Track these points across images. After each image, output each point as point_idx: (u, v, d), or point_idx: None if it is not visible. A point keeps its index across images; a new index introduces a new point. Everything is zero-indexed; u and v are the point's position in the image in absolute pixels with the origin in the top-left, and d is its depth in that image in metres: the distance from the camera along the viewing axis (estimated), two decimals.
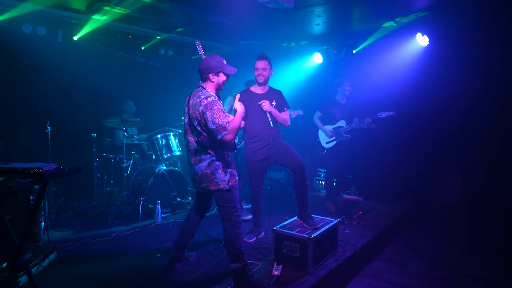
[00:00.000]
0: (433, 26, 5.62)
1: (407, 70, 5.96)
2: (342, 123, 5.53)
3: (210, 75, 3.01)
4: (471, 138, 5.66)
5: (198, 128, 2.95)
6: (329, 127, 5.55)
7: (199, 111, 2.89)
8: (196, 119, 2.93)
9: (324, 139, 5.60)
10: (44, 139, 4.69)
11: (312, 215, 3.90)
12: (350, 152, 5.69)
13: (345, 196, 6.21)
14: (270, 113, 3.92)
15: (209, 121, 2.85)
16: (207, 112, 2.85)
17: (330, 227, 3.67)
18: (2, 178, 3.03)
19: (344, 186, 6.25)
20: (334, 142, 5.53)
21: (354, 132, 5.49)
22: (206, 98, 2.90)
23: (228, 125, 2.90)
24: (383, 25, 5.82)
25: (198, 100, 2.91)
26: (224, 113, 2.94)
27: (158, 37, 6.54)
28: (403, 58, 6.03)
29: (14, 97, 5.33)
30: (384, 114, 5.27)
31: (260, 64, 3.93)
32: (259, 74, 3.95)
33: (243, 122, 3.74)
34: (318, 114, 5.60)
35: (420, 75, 5.87)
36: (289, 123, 4.12)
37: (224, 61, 3.05)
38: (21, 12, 4.66)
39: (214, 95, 3.00)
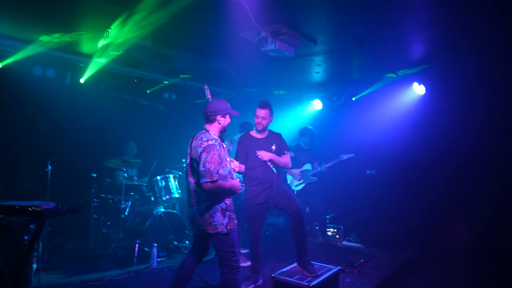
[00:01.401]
0: (430, 75, 5.82)
1: (405, 116, 6.09)
2: (307, 166, 6.00)
3: (218, 117, 3.10)
4: (472, 182, 5.65)
5: (198, 169, 2.97)
6: (296, 171, 5.95)
7: (198, 153, 2.93)
8: (196, 161, 2.96)
9: (293, 183, 6.00)
10: (44, 178, 4.69)
11: (312, 262, 3.80)
12: (319, 192, 6.05)
13: (345, 243, 6.09)
14: (270, 160, 3.94)
15: (201, 163, 2.88)
16: (204, 154, 2.90)
17: (330, 275, 3.57)
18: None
19: (345, 233, 6.17)
20: (303, 185, 5.94)
21: (319, 174, 5.92)
22: (207, 140, 2.95)
23: (216, 175, 2.88)
24: (385, 76, 6.06)
25: (200, 142, 2.96)
26: (220, 160, 2.95)
27: (165, 82, 6.75)
28: (400, 105, 6.20)
29: (18, 136, 5.40)
30: (345, 156, 5.75)
31: (261, 112, 3.94)
32: (258, 123, 3.97)
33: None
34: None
35: (418, 121, 6.00)
36: (290, 165, 4.14)
37: (228, 104, 3.19)
38: (31, 53, 4.84)
39: (216, 138, 3.05)
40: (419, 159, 6.01)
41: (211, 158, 2.87)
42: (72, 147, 5.87)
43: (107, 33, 4.21)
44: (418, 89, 5.86)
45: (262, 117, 3.95)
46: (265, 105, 3.96)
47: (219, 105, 3.12)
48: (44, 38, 4.50)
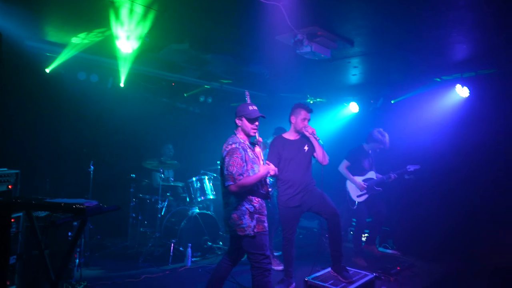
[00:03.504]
0: (474, 77, 5.55)
1: (447, 119, 5.81)
2: (372, 174, 5.33)
3: (236, 120, 3.15)
4: None
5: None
6: (358, 179, 5.28)
7: (223, 156, 3.00)
8: (222, 164, 3.01)
9: (355, 192, 5.28)
10: (86, 177, 4.92)
11: (347, 268, 3.73)
12: (384, 199, 5.44)
13: (382, 249, 5.90)
14: (314, 135, 3.92)
15: (225, 167, 2.94)
16: (227, 158, 2.95)
17: (365, 281, 3.48)
18: (45, 213, 3.18)
19: (381, 239, 5.96)
20: (366, 196, 5.26)
21: (385, 184, 5.31)
22: (231, 144, 3.01)
23: (240, 177, 2.91)
24: (428, 80, 5.83)
25: (225, 146, 3.04)
26: (243, 163, 2.95)
27: (206, 86, 6.84)
28: (442, 108, 5.92)
29: (64, 138, 5.70)
30: (412, 168, 5.18)
31: (309, 116, 4.03)
32: (305, 126, 3.99)
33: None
34: (345, 163, 5.29)
35: (461, 125, 5.70)
36: (327, 160, 3.99)
37: (250, 107, 3.11)
38: (68, 57, 5.01)
39: (240, 141, 3.07)
40: (461, 163, 5.70)
41: (233, 162, 2.91)
42: (112, 149, 6.12)
43: (147, 39, 4.36)
44: (461, 92, 5.59)
45: (308, 120, 4.01)
46: (311, 109, 4.06)
47: (238, 108, 3.15)
48: (79, 36, 4.61)
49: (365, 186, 5.24)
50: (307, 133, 3.94)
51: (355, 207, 5.28)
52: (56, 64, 5.12)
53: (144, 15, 3.80)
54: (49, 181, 5.00)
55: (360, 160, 5.31)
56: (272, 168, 3.15)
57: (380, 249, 5.92)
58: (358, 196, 5.28)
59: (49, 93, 5.34)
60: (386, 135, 5.30)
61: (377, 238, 5.76)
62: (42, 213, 3.26)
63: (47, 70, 5.18)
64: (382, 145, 5.27)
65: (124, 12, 3.73)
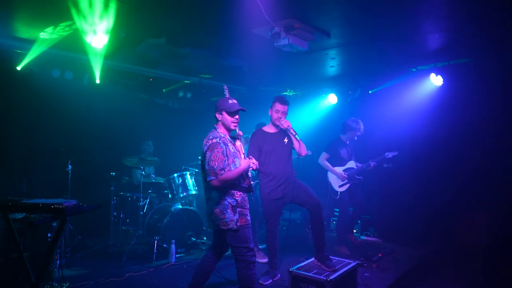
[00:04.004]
0: (448, 66, 5.69)
1: (423, 108, 5.96)
2: (351, 164, 5.44)
3: (216, 114, 3.14)
4: (495, 176, 5.48)
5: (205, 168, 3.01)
6: (339, 169, 5.39)
7: (204, 151, 2.99)
8: (204, 159, 3.01)
9: (336, 182, 5.39)
10: (65, 177, 4.81)
11: (330, 257, 3.79)
12: (364, 192, 5.59)
13: (364, 237, 6.03)
14: (291, 129, 3.91)
15: (206, 162, 2.94)
16: (208, 152, 2.95)
17: (348, 269, 3.55)
18: (22, 215, 3.10)
19: (362, 227, 6.10)
20: (348, 185, 5.38)
21: (365, 172, 5.42)
22: (212, 139, 3.00)
23: (221, 171, 2.91)
24: (404, 70, 5.95)
25: (206, 141, 3.03)
26: (224, 157, 2.95)
27: (186, 81, 6.77)
28: (418, 97, 6.06)
29: (39, 137, 5.55)
30: (390, 154, 5.31)
31: (282, 107, 3.98)
32: (278, 118, 3.98)
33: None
34: (325, 155, 5.41)
35: (437, 113, 5.86)
36: (305, 151, 4.02)
37: (230, 100, 3.11)
38: (38, 52, 4.81)
39: (221, 136, 3.06)
40: (438, 151, 5.87)
41: (215, 156, 2.91)
42: (91, 147, 5.99)
43: (122, 34, 4.27)
44: (436, 80, 5.74)
45: (282, 112, 3.98)
46: (285, 101, 4.02)
47: (218, 103, 3.14)
48: (46, 31, 4.42)
49: (346, 175, 5.35)
50: (283, 127, 3.96)
51: (337, 197, 5.38)
52: (27, 61, 4.94)
53: (106, 6, 3.67)
54: (25, 182, 4.87)
55: (338, 151, 5.40)
56: (253, 162, 3.17)
57: (362, 237, 6.06)
58: (340, 186, 5.38)
59: (22, 91, 5.18)
60: (360, 122, 5.42)
61: (355, 226, 5.90)
62: (19, 215, 3.18)
63: (18, 68, 5.01)
64: (358, 131, 5.38)
65: (84, 3, 3.63)
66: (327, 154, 5.40)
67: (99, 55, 5.10)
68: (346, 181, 5.35)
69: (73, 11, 3.76)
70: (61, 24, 4.19)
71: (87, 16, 3.86)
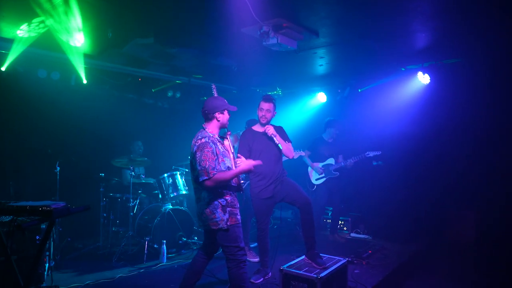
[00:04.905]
0: (435, 66, 5.76)
1: (412, 107, 6.02)
2: (331, 160, 5.83)
3: (216, 114, 3.12)
4: (482, 174, 5.57)
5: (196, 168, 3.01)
6: (317, 164, 5.82)
7: (193, 151, 2.98)
8: (194, 159, 3.00)
9: (314, 176, 5.86)
10: (53, 179, 4.76)
11: (321, 254, 3.82)
12: (340, 189, 5.88)
13: (354, 234, 6.10)
14: (275, 137, 3.92)
15: (197, 162, 2.93)
16: (198, 153, 2.95)
17: (339, 266, 3.59)
18: (9, 218, 3.06)
19: (352, 225, 6.17)
20: (324, 179, 5.78)
21: (343, 170, 5.74)
22: (201, 139, 3.00)
23: (213, 171, 2.91)
24: (392, 69, 6.03)
25: (195, 141, 3.03)
26: (214, 156, 2.96)
27: (178, 81, 6.75)
28: (406, 96, 6.13)
29: (27, 138, 5.47)
30: (371, 154, 5.56)
31: (265, 105, 3.97)
32: (263, 116, 3.99)
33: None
34: (306, 152, 5.84)
35: (425, 111, 5.93)
36: (293, 154, 4.10)
37: (224, 100, 3.19)
38: (20, 51, 4.67)
39: (210, 135, 3.07)
40: (427, 150, 5.95)
41: (205, 156, 2.91)
42: (79, 148, 5.94)
43: (109, 34, 4.23)
44: (423, 79, 5.81)
45: (266, 110, 3.97)
46: (269, 98, 4.01)
47: (216, 102, 3.13)
48: (21, 29, 4.25)
49: (323, 169, 5.77)
50: (268, 134, 3.93)
51: (313, 189, 5.86)
52: (9, 61, 4.82)
53: (66, 2, 3.56)
54: (12, 184, 4.80)
55: (319, 149, 5.84)
56: (254, 163, 3.17)
57: (352, 234, 6.12)
58: (317, 180, 5.84)
59: (7, 92, 5.09)
60: (338, 120, 5.89)
61: (337, 226, 6.09)
62: (6, 218, 3.13)
63: (3, 69, 4.92)
64: (338, 130, 5.83)
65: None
66: (308, 151, 5.88)
67: (79, 54, 4.97)
68: (323, 174, 5.77)
69: (34, 6, 3.61)
70: (33, 21, 4.05)
71: (52, 13, 3.72)
